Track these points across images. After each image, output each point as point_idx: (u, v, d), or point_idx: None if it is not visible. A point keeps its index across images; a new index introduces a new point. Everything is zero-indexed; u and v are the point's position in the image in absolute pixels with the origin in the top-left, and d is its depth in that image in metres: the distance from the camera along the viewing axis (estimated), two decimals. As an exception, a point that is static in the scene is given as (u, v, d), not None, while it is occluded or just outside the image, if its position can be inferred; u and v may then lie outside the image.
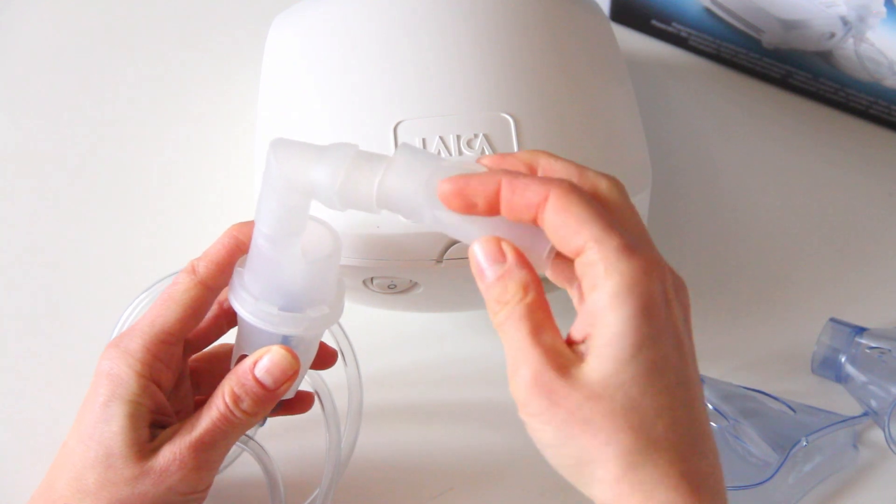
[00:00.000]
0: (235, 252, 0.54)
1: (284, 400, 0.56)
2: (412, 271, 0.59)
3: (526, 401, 0.45)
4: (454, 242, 0.58)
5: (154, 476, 0.50)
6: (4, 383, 0.67)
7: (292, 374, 0.52)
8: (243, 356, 0.54)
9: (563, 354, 0.45)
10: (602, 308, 0.44)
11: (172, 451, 0.51)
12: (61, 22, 0.86)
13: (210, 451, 0.52)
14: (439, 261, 0.58)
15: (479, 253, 0.47)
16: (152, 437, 0.52)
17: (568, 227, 0.45)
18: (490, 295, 0.47)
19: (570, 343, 0.46)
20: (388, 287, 0.61)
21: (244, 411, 0.52)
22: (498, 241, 0.47)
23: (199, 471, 0.51)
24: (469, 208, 0.46)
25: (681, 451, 0.44)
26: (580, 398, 0.43)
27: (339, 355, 0.60)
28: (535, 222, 0.46)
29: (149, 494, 0.50)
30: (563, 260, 0.48)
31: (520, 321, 0.45)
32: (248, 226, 0.54)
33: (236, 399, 0.51)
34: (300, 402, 0.59)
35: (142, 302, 0.60)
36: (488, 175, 0.46)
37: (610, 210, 0.47)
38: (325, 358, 0.59)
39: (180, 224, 0.74)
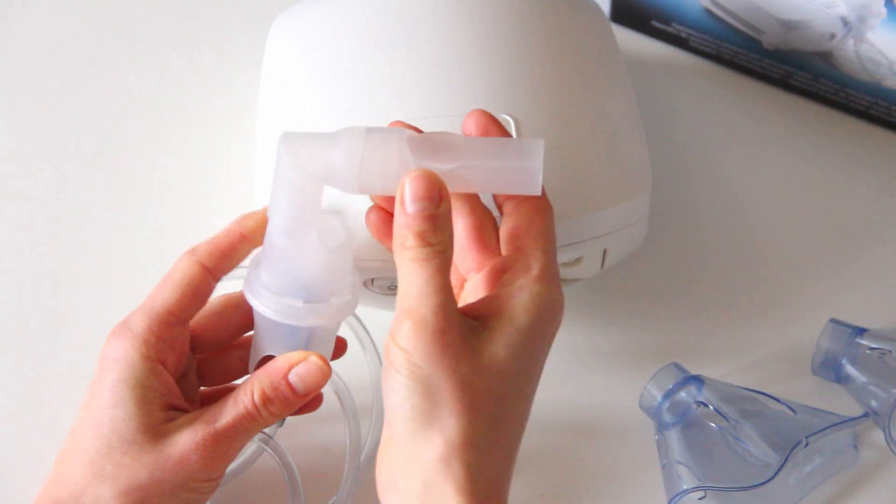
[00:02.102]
0: (239, 241, 0.54)
1: None
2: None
3: (415, 343, 0.45)
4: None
5: (174, 462, 0.51)
6: (5, 384, 0.67)
7: (323, 384, 0.52)
8: (266, 357, 0.54)
9: (466, 321, 0.46)
10: (518, 305, 0.47)
11: (194, 440, 0.51)
12: (61, 22, 0.86)
13: (231, 444, 0.52)
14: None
15: (411, 185, 0.47)
16: (166, 421, 0.51)
17: (535, 226, 0.49)
18: (413, 227, 0.46)
19: (472, 317, 0.47)
20: (389, 288, 0.61)
21: (270, 413, 0.52)
22: (438, 178, 0.47)
23: (218, 461, 0.52)
24: None
25: (508, 461, 0.48)
26: (468, 366, 0.45)
27: (359, 346, 0.61)
28: (505, 197, 0.50)
29: (167, 480, 0.51)
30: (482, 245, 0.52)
31: (438, 270, 0.46)
32: (253, 217, 0.54)
33: (266, 400, 0.52)
34: (311, 401, 0.59)
35: None
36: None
37: None
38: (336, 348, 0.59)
39: (181, 224, 0.74)
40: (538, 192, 0.49)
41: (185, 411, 0.53)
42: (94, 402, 0.52)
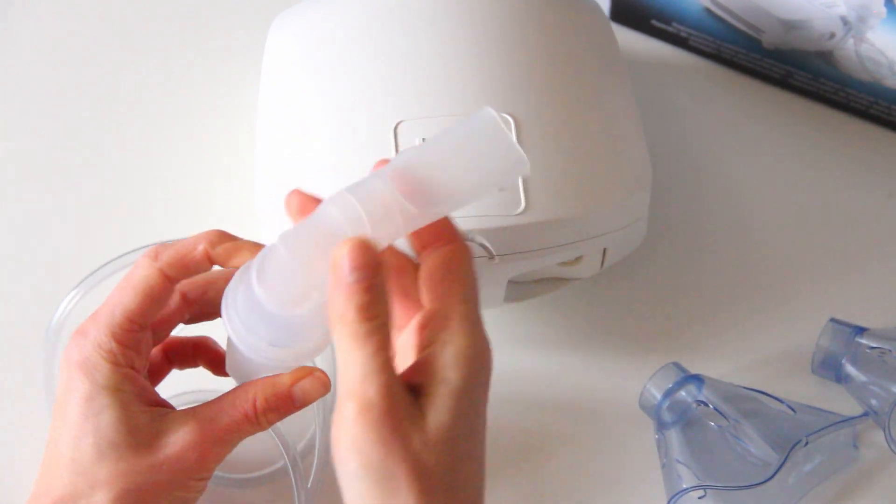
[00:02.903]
0: (203, 260, 0.52)
1: None
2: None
3: (363, 428, 0.43)
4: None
5: (171, 462, 0.50)
6: (5, 384, 0.67)
7: (321, 396, 0.52)
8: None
9: (407, 395, 0.44)
10: (448, 364, 0.45)
11: (191, 439, 0.51)
12: (61, 22, 0.86)
13: (226, 445, 0.52)
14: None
15: (347, 255, 0.44)
16: (152, 419, 0.51)
17: (451, 274, 0.47)
18: (353, 299, 0.44)
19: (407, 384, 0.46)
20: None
21: (269, 420, 0.52)
22: (371, 246, 0.45)
23: (212, 461, 0.52)
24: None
25: None
26: (419, 443, 0.43)
27: None
28: (420, 248, 0.48)
29: (164, 481, 0.50)
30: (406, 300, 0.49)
31: (382, 346, 0.44)
32: (227, 245, 0.53)
33: (268, 409, 0.51)
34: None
35: (77, 296, 0.60)
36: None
37: None
38: None
39: (180, 224, 0.74)
40: (517, 152, 0.47)
41: (165, 406, 0.53)
42: (69, 412, 0.51)
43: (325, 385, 0.52)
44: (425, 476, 0.43)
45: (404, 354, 0.48)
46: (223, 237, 0.53)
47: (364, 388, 0.43)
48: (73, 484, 0.50)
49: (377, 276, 0.44)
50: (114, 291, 0.52)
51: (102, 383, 0.51)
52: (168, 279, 0.52)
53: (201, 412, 0.52)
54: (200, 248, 0.52)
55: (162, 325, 0.56)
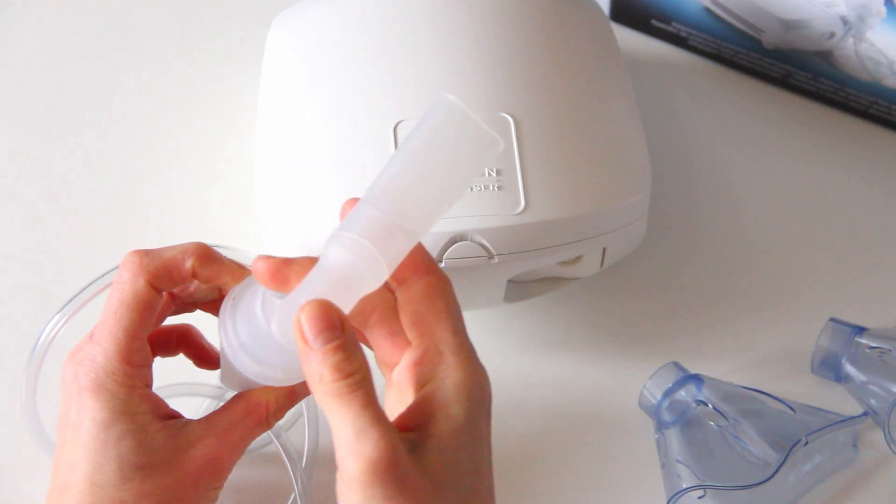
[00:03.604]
0: (189, 276, 0.52)
1: None
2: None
3: (371, 482, 0.42)
4: (454, 242, 0.58)
5: (193, 478, 0.51)
6: (6, 386, 0.67)
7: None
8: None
9: (402, 440, 0.43)
10: (447, 400, 0.44)
11: (211, 453, 0.51)
12: (61, 22, 0.86)
13: (241, 452, 0.53)
14: (439, 261, 0.58)
15: (308, 321, 0.44)
16: (169, 437, 0.51)
17: (434, 309, 0.47)
18: (327, 362, 0.43)
19: (404, 428, 0.45)
20: (388, 287, 0.61)
21: (277, 419, 0.53)
22: (331, 306, 0.44)
23: (230, 468, 0.53)
24: None
25: None
26: (427, 487, 0.43)
27: None
28: (397, 282, 0.48)
29: (188, 497, 0.51)
30: (393, 343, 0.48)
31: (369, 399, 0.43)
32: (209, 258, 0.52)
33: (277, 410, 0.52)
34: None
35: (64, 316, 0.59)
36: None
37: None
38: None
39: (181, 224, 0.74)
40: (487, 133, 0.46)
41: (177, 417, 0.53)
42: (89, 438, 0.50)
43: None
44: None
45: (401, 392, 0.48)
46: (210, 257, 0.53)
47: (361, 447, 0.42)
48: None
49: (344, 332, 0.44)
50: (107, 310, 0.52)
51: (120, 409, 0.51)
52: (157, 290, 0.52)
53: (216, 423, 0.52)
54: (188, 264, 0.52)
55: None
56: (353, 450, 0.42)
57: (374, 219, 0.45)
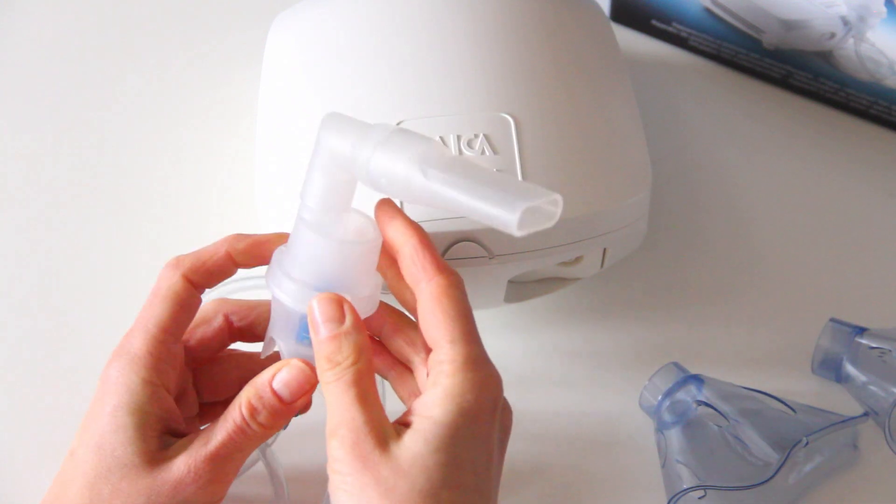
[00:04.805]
0: (225, 259, 0.54)
1: None
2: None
3: (341, 458, 0.47)
4: (455, 242, 0.58)
5: (169, 487, 0.50)
6: (6, 386, 0.67)
7: (309, 388, 0.52)
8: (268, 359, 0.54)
9: (383, 427, 0.48)
10: (434, 402, 0.48)
11: (188, 463, 0.50)
12: (61, 22, 0.86)
13: (226, 464, 0.51)
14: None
15: (317, 309, 0.50)
16: (164, 446, 0.51)
17: (434, 317, 0.49)
18: (322, 351, 0.49)
19: (401, 423, 0.49)
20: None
21: (260, 424, 0.51)
22: (340, 300, 0.50)
23: (214, 483, 0.51)
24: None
25: None
26: (388, 470, 0.46)
27: None
28: (413, 286, 0.51)
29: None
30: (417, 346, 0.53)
31: (349, 385, 0.48)
32: (245, 239, 0.54)
33: (253, 411, 0.51)
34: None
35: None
36: (406, 235, 0.51)
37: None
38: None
39: (181, 224, 0.74)
40: (516, 234, 0.47)
41: (185, 434, 0.53)
42: (94, 426, 0.51)
43: (304, 373, 0.51)
44: (399, 501, 0.46)
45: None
46: (241, 237, 0.54)
47: (337, 425, 0.48)
48: (80, 497, 0.50)
49: (341, 326, 0.49)
50: (145, 306, 0.53)
51: (129, 401, 0.51)
52: (193, 285, 0.53)
53: (202, 435, 0.52)
54: (222, 250, 0.54)
55: (205, 346, 0.56)
56: (330, 428, 0.48)
57: (407, 150, 0.48)
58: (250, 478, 0.62)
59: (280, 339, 0.53)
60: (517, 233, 0.46)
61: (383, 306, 0.54)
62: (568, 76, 0.63)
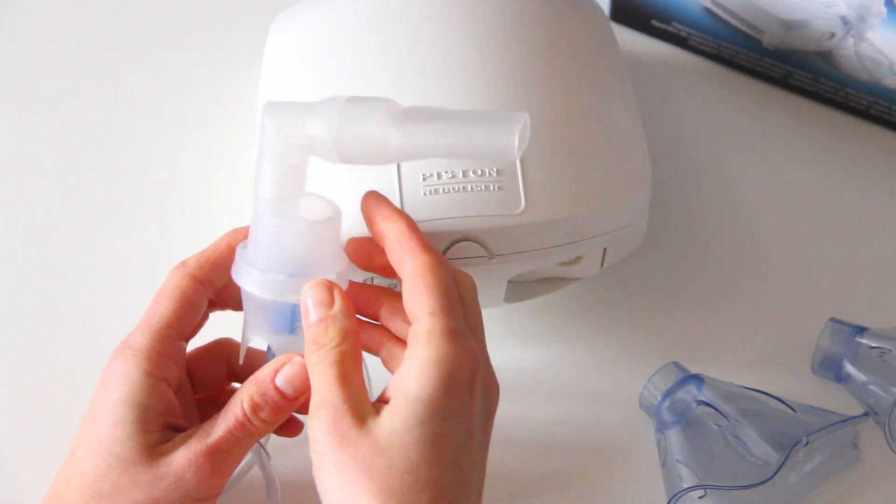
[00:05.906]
0: (227, 251, 0.54)
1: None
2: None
3: (319, 438, 0.48)
4: (456, 241, 0.58)
5: (169, 481, 0.50)
6: (6, 386, 0.67)
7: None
8: (252, 350, 0.54)
9: (362, 406, 0.48)
10: (410, 376, 0.48)
11: (188, 457, 0.50)
12: (61, 22, 0.86)
13: (225, 458, 0.51)
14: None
15: (308, 295, 0.51)
16: (165, 440, 0.51)
17: (416, 291, 0.50)
18: (309, 335, 0.50)
19: (381, 401, 0.49)
20: (389, 287, 0.61)
21: (262, 420, 0.52)
22: (330, 285, 0.51)
23: (214, 477, 0.51)
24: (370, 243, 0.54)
25: None
26: (365, 447, 0.47)
27: None
28: (395, 274, 0.52)
29: (163, 499, 0.50)
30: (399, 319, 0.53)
31: (331, 366, 0.49)
32: (243, 231, 0.55)
33: (255, 407, 0.51)
34: (293, 425, 0.57)
35: None
36: (392, 221, 0.52)
37: (459, 297, 0.51)
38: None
39: (181, 224, 0.74)
40: (513, 158, 0.50)
41: (185, 429, 0.53)
42: (95, 421, 0.51)
43: (306, 368, 0.51)
44: (378, 478, 0.46)
45: None
46: (240, 230, 0.55)
47: (315, 406, 0.48)
48: (81, 493, 0.50)
49: (329, 310, 0.50)
50: (151, 303, 0.54)
51: (130, 395, 0.51)
52: (199, 282, 0.54)
53: (202, 429, 0.52)
54: (223, 244, 0.55)
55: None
56: (312, 407, 0.49)
57: (372, 115, 0.49)
58: (244, 481, 0.62)
59: (259, 335, 0.53)
60: (517, 153, 0.48)
61: (380, 289, 0.55)
62: (568, 76, 0.63)
